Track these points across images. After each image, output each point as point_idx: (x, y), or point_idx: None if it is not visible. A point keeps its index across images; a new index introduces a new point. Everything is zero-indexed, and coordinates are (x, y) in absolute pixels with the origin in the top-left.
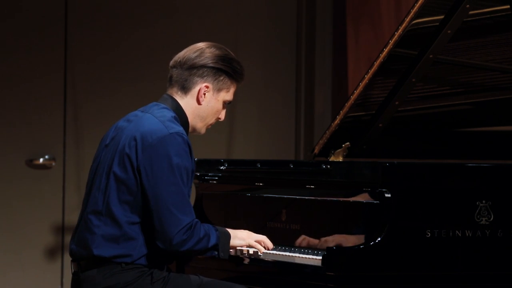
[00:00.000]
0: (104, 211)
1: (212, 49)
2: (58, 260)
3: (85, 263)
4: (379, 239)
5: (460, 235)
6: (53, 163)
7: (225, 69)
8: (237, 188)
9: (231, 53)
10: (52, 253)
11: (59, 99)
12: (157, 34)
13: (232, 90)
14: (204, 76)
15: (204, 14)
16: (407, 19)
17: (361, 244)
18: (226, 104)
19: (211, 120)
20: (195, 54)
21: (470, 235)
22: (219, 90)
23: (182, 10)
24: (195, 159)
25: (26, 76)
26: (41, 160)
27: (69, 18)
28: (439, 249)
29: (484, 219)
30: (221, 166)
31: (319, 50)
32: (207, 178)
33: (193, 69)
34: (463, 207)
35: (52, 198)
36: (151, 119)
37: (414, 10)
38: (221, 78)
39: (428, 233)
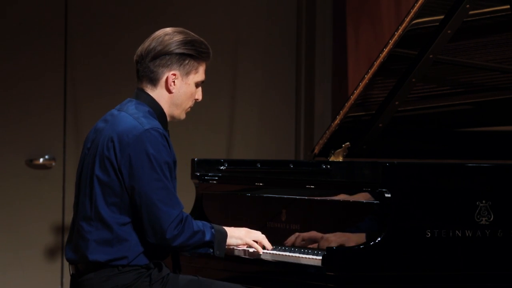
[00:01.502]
0: (93, 216)
1: (172, 35)
2: (58, 260)
3: (83, 266)
4: (379, 239)
5: (460, 235)
6: (53, 163)
7: (188, 52)
8: (237, 188)
9: (192, 34)
10: (52, 253)
11: (59, 99)
12: None
13: (201, 70)
14: (169, 65)
15: (204, 14)
16: (407, 19)
17: (361, 244)
18: (200, 84)
19: (188, 104)
20: (155, 44)
21: (470, 235)
22: (187, 74)
23: (182, 10)
24: (196, 159)
25: (26, 76)
26: (41, 160)
27: (69, 18)
28: (439, 249)
29: (484, 219)
30: (221, 166)
31: (319, 50)
32: (207, 178)
33: (156, 59)
34: (463, 207)
35: (52, 198)
36: (126, 117)
37: (414, 10)
38: (186, 62)
39: (428, 233)
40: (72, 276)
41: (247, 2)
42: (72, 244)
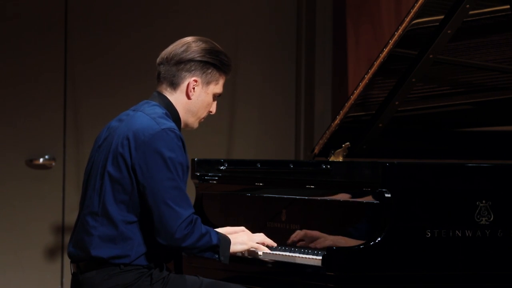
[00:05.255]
0: (100, 211)
1: (198, 43)
2: (58, 260)
3: (84, 265)
4: (379, 239)
5: (460, 235)
6: (53, 163)
7: (213, 61)
8: (237, 188)
9: (218, 45)
10: (52, 253)
11: (59, 99)
12: (157, 34)
13: (221, 82)
14: (192, 70)
15: (204, 14)
16: (407, 19)
17: (361, 244)
18: (216, 97)
19: (203, 114)
20: (182, 49)
21: (470, 235)
22: (208, 83)
23: (182, 10)
24: (196, 159)
25: (26, 76)
26: (41, 160)
27: (69, 18)
28: (439, 249)
29: (484, 219)
30: (221, 166)
31: (319, 50)
32: (207, 178)
33: (180, 64)
34: (463, 207)
35: (52, 198)
36: (142, 116)
37: (414, 10)
38: (209, 71)
39: (428, 233)
40: (73, 275)
41: (247, 2)
42: (74, 239)
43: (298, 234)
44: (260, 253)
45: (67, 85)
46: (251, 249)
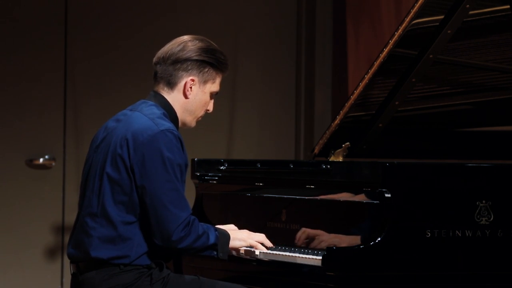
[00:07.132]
0: (99, 212)
1: (195, 42)
2: (58, 260)
3: (84, 265)
4: (379, 239)
5: (460, 235)
6: (53, 163)
7: (209, 60)
8: (237, 188)
9: (214, 44)
10: (52, 253)
11: (59, 99)
12: (157, 34)
13: (218, 81)
14: (189, 70)
15: (204, 14)
16: (407, 19)
17: (361, 244)
18: (213, 95)
19: (200, 113)
20: (178, 48)
21: (470, 235)
22: (205, 82)
23: (182, 10)
24: (196, 159)
25: (26, 76)
26: (41, 160)
27: (69, 18)
28: (439, 249)
29: (484, 219)
30: (221, 166)
31: (319, 50)
32: (207, 178)
33: (177, 63)
34: (463, 207)
35: (52, 198)
36: (141, 117)
37: (414, 10)
38: (206, 70)
39: (428, 233)
40: (73, 275)
41: (247, 2)
42: (74, 240)
43: (298, 234)
44: (257, 252)
45: (67, 85)
46: (249, 247)
